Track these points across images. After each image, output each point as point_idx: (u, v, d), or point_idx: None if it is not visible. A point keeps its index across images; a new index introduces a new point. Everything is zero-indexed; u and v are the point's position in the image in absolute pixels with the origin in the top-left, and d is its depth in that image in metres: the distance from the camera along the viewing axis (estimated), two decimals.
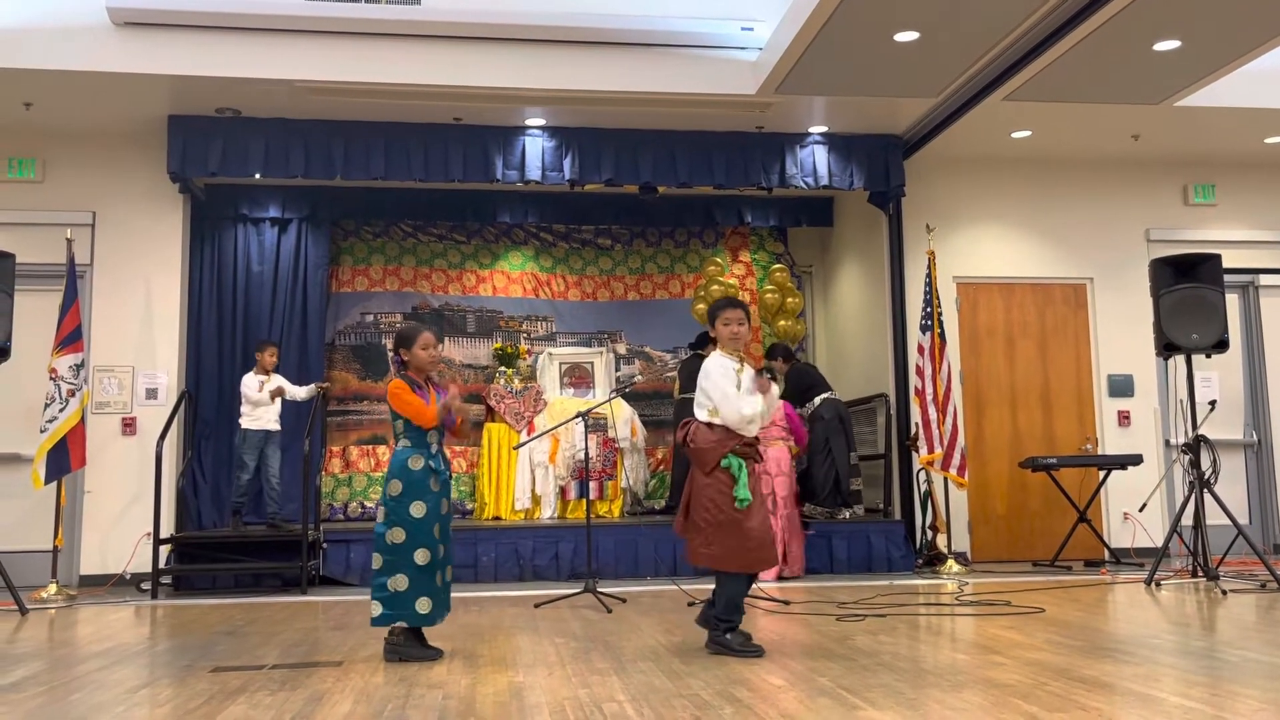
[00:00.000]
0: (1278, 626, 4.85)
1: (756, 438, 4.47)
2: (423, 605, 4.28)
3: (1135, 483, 8.43)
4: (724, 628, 4.32)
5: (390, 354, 4.70)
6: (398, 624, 4.29)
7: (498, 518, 8.62)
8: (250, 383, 7.72)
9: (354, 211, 9.43)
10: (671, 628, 5.05)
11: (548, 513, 8.65)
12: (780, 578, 7.24)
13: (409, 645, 4.33)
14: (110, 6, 6.79)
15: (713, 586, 4.44)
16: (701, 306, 9.54)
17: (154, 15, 6.88)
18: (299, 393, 7.87)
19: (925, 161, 8.65)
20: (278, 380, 7.79)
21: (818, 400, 8.25)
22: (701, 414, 4.43)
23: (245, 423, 7.68)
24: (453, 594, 4.53)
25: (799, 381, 8.39)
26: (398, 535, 4.29)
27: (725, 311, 4.50)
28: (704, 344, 8.96)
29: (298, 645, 4.76)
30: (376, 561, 4.30)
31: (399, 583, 4.25)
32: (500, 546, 7.59)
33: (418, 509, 4.31)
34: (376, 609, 4.27)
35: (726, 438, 4.34)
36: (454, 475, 9.23)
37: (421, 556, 4.29)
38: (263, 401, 7.65)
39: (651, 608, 5.88)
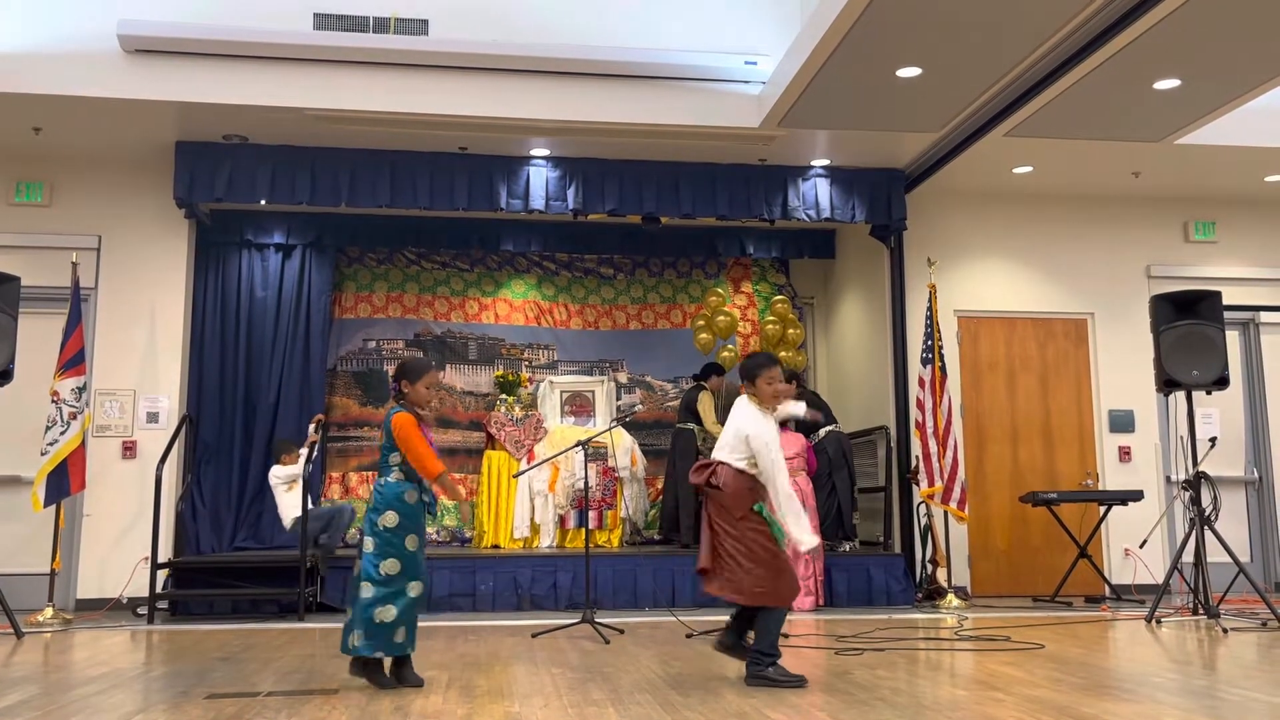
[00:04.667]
0: (1279, 666, 4.83)
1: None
2: (399, 636, 4.29)
3: (1136, 519, 8.42)
4: (768, 661, 4.35)
5: (390, 381, 4.68)
6: (376, 654, 4.28)
7: (496, 546, 8.59)
8: (280, 481, 7.79)
9: (358, 238, 9.48)
10: (669, 659, 5.03)
11: (546, 542, 8.62)
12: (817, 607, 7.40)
13: (376, 672, 4.30)
14: (121, 34, 6.87)
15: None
16: (705, 337, 9.56)
17: (164, 43, 6.95)
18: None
19: (927, 195, 8.70)
20: (296, 470, 7.73)
21: (822, 433, 8.26)
22: (739, 461, 4.45)
23: (288, 504, 7.73)
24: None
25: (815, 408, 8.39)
26: (392, 567, 4.30)
27: (770, 369, 4.53)
28: (708, 375, 8.96)
29: (294, 672, 4.74)
30: (366, 590, 4.28)
31: (387, 614, 4.25)
32: (498, 575, 7.56)
33: (411, 542, 4.34)
34: (357, 638, 4.24)
35: (759, 487, 4.43)
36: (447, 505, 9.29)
37: (415, 589, 4.32)
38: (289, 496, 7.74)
39: (650, 639, 5.85)
